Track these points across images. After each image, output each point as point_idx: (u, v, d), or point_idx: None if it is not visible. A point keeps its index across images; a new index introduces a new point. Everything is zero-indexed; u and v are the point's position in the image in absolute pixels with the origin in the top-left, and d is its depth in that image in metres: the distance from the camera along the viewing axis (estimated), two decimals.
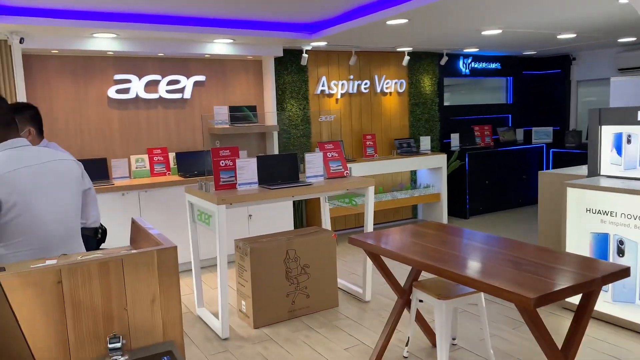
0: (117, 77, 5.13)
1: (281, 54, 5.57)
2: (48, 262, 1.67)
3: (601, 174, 3.88)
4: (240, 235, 5.29)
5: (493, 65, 7.79)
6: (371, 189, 3.98)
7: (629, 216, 3.38)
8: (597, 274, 2.17)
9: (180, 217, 5.00)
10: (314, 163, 3.93)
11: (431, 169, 6.93)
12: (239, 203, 3.47)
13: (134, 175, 5.21)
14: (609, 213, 3.50)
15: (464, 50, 6.95)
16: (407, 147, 6.88)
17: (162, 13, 4.35)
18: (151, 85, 5.31)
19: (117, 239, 4.46)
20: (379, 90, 6.72)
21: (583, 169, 4.37)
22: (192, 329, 3.77)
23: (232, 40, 5.12)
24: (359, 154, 6.68)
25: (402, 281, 3.19)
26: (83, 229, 2.28)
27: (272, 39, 5.11)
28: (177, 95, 5.43)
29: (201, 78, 5.55)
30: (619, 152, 3.73)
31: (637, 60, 6.87)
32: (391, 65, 6.81)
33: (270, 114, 5.83)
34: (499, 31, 5.16)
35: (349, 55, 6.30)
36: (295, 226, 6.15)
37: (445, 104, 7.44)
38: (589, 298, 2.26)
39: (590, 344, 3.29)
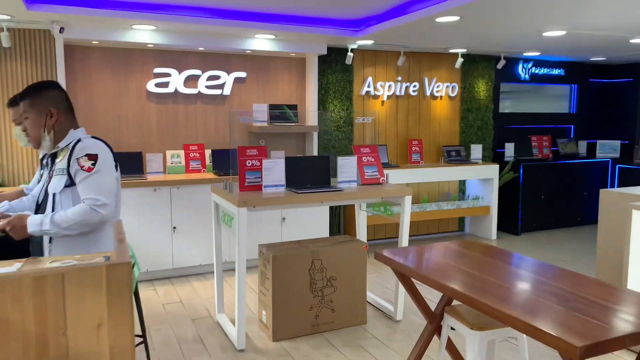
0: (157, 70, 5.06)
1: (325, 52, 5.33)
2: (16, 264, 1.50)
3: None
4: (272, 239, 5.09)
5: (556, 71, 7.23)
6: (408, 199, 3.67)
7: None
8: None
9: (211, 216, 4.86)
10: (347, 167, 3.66)
11: (481, 180, 6.48)
12: (262, 206, 3.25)
13: (168, 170, 5.13)
14: None
15: (524, 54, 6.46)
16: (456, 155, 6.47)
17: (202, 5, 4.22)
18: (191, 80, 5.20)
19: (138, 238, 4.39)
20: (428, 93, 6.35)
21: None
22: (208, 336, 3.59)
23: (274, 36, 4.93)
24: (404, 160, 6.34)
25: (434, 302, 2.87)
26: None
27: (315, 35, 4.88)
28: (217, 92, 5.31)
29: (242, 74, 5.40)
30: None
31: None
32: (443, 68, 6.42)
33: (311, 114, 5.60)
34: (563, 33, 4.70)
35: (397, 55, 5.97)
36: (331, 233, 5.90)
37: (501, 111, 6.96)
38: None
39: None
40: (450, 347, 2.98)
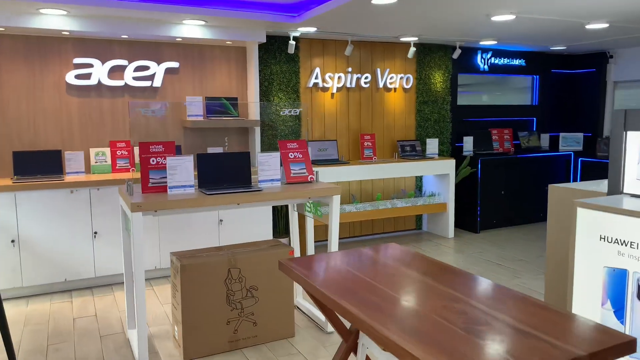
0: (77, 60, 4.61)
1: (264, 40, 4.94)
2: None
3: (624, 191, 3.08)
4: (208, 242, 4.70)
5: (517, 62, 6.95)
6: (336, 199, 3.31)
7: None
8: (579, 348, 1.45)
9: None
10: (268, 165, 3.28)
11: (438, 176, 6.17)
12: (164, 210, 2.86)
13: (92, 170, 4.70)
14: (630, 244, 2.72)
15: (481, 43, 6.15)
16: (411, 150, 6.14)
17: None
18: (116, 71, 4.77)
19: (45, 247, 3.94)
20: (381, 85, 6.01)
21: (604, 185, 3.57)
22: (113, 356, 3.19)
23: (204, 22, 4.53)
24: (356, 156, 5.99)
25: None
26: None
27: (251, 21, 4.49)
28: (146, 83, 4.88)
29: (174, 65, 4.99)
30: None
31: None
32: (396, 58, 6.09)
33: (253, 108, 5.22)
34: (512, 17, 4.39)
35: (346, 45, 5.61)
36: (276, 234, 5.53)
37: (459, 103, 6.66)
38: None
39: None
40: None
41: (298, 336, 3.44)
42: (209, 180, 3.21)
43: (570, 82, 7.46)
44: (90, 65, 4.66)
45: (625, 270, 2.74)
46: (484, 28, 5.07)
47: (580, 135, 7.07)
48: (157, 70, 4.90)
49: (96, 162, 4.72)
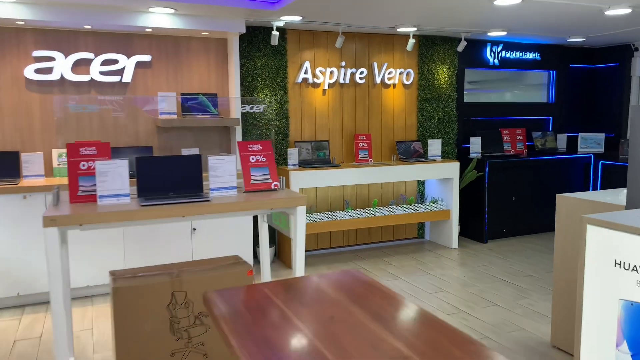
0: (37, 53, 4.22)
1: (243, 30, 4.48)
2: None
3: None
4: (179, 255, 4.27)
5: (531, 56, 6.36)
6: (301, 210, 2.82)
7: None
8: None
9: (98, 231, 4.03)
10: (221, 170, 2.82)
11: (441, 180, 5.64)
12: (87, 225, 2.42)
13: (55, 173, 4.30)
14: None
15: (489, 35, 5.59)
16: (411, 152, 5.62)
17: None
18: (81, 65, 4.37)
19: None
20: (378, 80, 5.50)
21: (623, 195, 3.01)
22: None
23: (173, 10, 4.09)
24: (351, 158, 5.50)
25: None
26: None
27: (226, 8, 4.04)
28: (114, 78, 4.47)
29: (146, 58, 4.56)
30: None
31: None
32: (396, 52, 5.57)
33: (234, 106, 4.76)
34: (517, 1, 3.84)
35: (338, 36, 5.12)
36: (257, 244, 5.07)
37: (467, 101, 6.10)
38: None
39: None
40: None
41: None
42: (151, 189, 2.76)
43: (590, 77, 6.83)
44: (52, 59, 4.27)
45: None
46: (489, 16, 4.53)
47: (602, 135, 6.44)
48: (127, 64, 4.48)
49: (59, 165, 4.33)
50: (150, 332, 2.68)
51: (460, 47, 5.52)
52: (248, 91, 4.96)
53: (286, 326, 1.60)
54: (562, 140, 6.54)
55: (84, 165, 2.63)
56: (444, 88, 5.84)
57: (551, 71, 6.64)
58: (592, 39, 5.93)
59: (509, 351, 3.16)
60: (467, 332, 3.40)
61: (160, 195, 2.76)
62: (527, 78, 6.58)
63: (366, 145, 5.38)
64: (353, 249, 5.54)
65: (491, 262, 5.03)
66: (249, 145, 2.96)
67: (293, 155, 4.91)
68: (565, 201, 3.07)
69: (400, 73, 5.59)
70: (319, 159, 5.21)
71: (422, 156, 5.65)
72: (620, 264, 2.30)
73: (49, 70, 4.27)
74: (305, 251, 5.34)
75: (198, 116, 4.60)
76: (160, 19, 4.20)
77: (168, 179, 2.79)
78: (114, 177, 2.58)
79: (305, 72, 5.16)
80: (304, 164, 5.04)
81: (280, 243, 5.10)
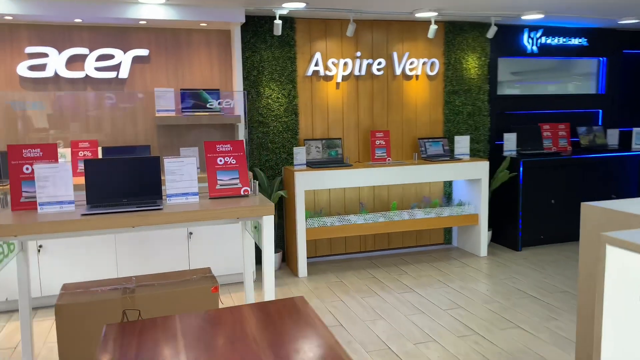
0: (30, 49, 4.08)
1: (243, 20, 4.16)
2: None
3: None
4: (176, 261, 4.03)
5: (576, 41, 5.68)
6: (267, 220, 2.46)
7: None
8: None
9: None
10: (179, 174, 2.50)
11: (470, 181, 5.11)
12: (23, 237, 2.16)
13: None
14: None
15: (524, 19, 4.99)
16: (434, 150, 5.13)
17: None
18: (76, 62, 4.20)
19: None
20: (399, 72, 5.04)
21: None
22: None
23: (164, 0, 3.83)
24: (367, 157, 5.07)
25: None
26: None
27: None
28: (111, 74, 4.27)
29: (143, 52, 4.33)
30: None
31: None
32: (418, 40, 5.09)
33: (238, 101, 4.46)
34: None
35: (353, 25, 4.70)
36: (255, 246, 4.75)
37: (500, 93, 5.52)
38: None
39: None
40: None
41: None
42: (101, 195, 2.48)
43: None
44: (45, 55, 4.11)
45: None
46: None
47: None
48: (123, 59, 4.27)
49: None
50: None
51: (491, 33, 4.96)
52: (253, 85, 4.65)
53: None
54: (613, 135, 5.82)
55: (27, 169, 2.39)
56: (474, 79, 5.30)
57: (601, 58, 5.91)
58: None
59: None
60: None
61: (111, 203, 2.48)
62: (574, 67, 5.89)
63: (384, 142, 4.94)
64: (369, 255, 5.12)
65: (522, 273, 4.47)
66: (217, 145, 2.63)
67: (300, 154, 4.56)
68: (590, 212, 2.54)
69: (424, 63, 5.10)
70: (330, 158, 4.82)
71: (447, 155, 5.14)
72: None
73: (42, 67, 4.12)
74: (317, 257, 4.98)
75: (196, 113, 4.33)
76: (153, 9, 3.95)
77: (123, 185, 2.51)
78: (56, 182, 2.32)
79: (316, 64, 4.78)
80: (313, 164, 4.68)
81: (288, 247, 4.77)
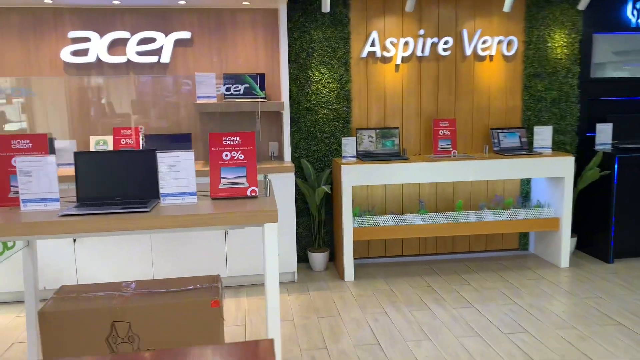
0: (73, 34, 3.98)
1: None
2: None
3: None
4: (212, 257, 3.80)
5: None
6: (270, 228, 2.07)
7: None
8: None
9: None
10: (175, 171, 2.18)
11: (551, 179, 4.39)
12: (4, 237, 1.96)
13: None
14: None
15: None
16: (509, 142, 4.45)
17: None
18: (117, 46, 4.05)
19: None
20: (469, 52, 4.41)
21: None
22: None
23: None
24: (428, 149, 4.52)
25: None
26: None
27: None
28: (152, 59, 4.08)
29: (185, 35, 4.09)
30: None
31: None
32: (493, 15, 4.41)
33: (284, 86, 4.10)
34: None
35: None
36: (308, 247, 4.41)
37: (593, 76, 4.68)
38: None
39: None
40: None
41: None
42: (92, 193, 2.23)
43: None
44: (87, 40, 4.00)
45: None
46: None
47: None
48: (165, 42, 4.06)
49: None
50: None
51: (582, 5, 4.17)
52: (302, 69, 4.26)
53: None
54: None
55: (15, 161, 2.19)
56: (561, 60, 4.52)
57: None
58: None
59: None
60: None
61: (101, 202, 2.22)
62: None
63: (449, 133, 4.36)
64: (428, 260, 4.59)
65: (610, 292, 3.74)
66: (224, 138, 2.28)
67: (349, 145, 4.12)
68: None
69: (500, 42, 4.42)
70: (385, 150, 4.33)
71: (524, 148, 4.45)
72: None
73: (84, 52, 4.01)
74: (369, 258, 4.54)
75: (238, 99, 4.03)
76: None
77: (116, 181, 2.24)
78: (39, 178, 2.09)
79: (373, 45, 4.29)
80: (365, 156, 4.22)
81: (336, 246, 4.37)
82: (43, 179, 2.09)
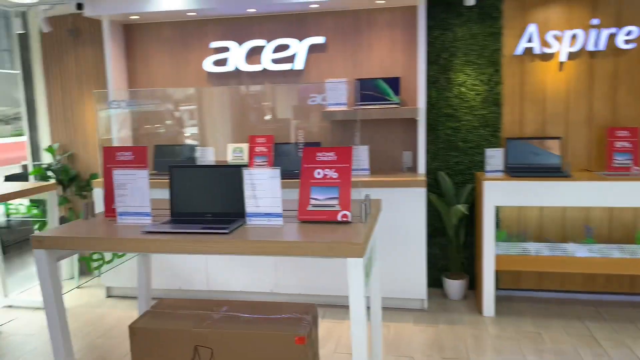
0: (214, 44, 4.11)
1: None
2: None
3: None
4: (335, 279, 3.61)
5: None
6: (353, 264, 1.74)
7: None
8: None
9: None
10: (261, 189, 1.97)
11: None
12: (73, 250, 1.98)
13: None
14: None
15: None
16: None
17: None
18: (254, 55, 4.07)
19: None
20: None
21: None
22: None
23: None
24: (600, 164, 3.69)
25: None
26: None
27: None
28: (286, 66, 4.01)
29: (319, 40, 3.94)
30: None
31: None
32: None
33: (420, 90, 3.71)
34: None
35: None
36: (443, 273, 3.93)
37: None
38: None
39: None
40: None
41: None
42: (185, 208, 2.14)
43: None
44: (226, 49, 4.09)
45: None
46: None
47: None
48: (299, 49, 3.96)
49: (233, 159, 4.17)
50: None
51: None
52: (443, 71, 3.81)
53: None
54: None
55: (123, 175, 2.21)
56: None
57: None
58: None
59: None
60: None
61: (192, 218, 2.12)
62: None
63: (630, 145, 3.50)
64: (595, 299, 3.75)
65: None
66: (317, 153, 2.02)
67: (494, 157, 3.54)
68: None
69: None
70: (541, 164, 3.64)
71: None
72: None
73: (224, 62, 4.11)
74: (518, 289, 3.89)
75: (369, 106, 3.75)
76: None
77: (207, 196, 2.13)
78: (134, 191, 2.07)
79: (530, 40, 3.64)
80: (514, 171, 3.59)
81: (476, 274, 3.81)
82: (137, 193, 2.07)
